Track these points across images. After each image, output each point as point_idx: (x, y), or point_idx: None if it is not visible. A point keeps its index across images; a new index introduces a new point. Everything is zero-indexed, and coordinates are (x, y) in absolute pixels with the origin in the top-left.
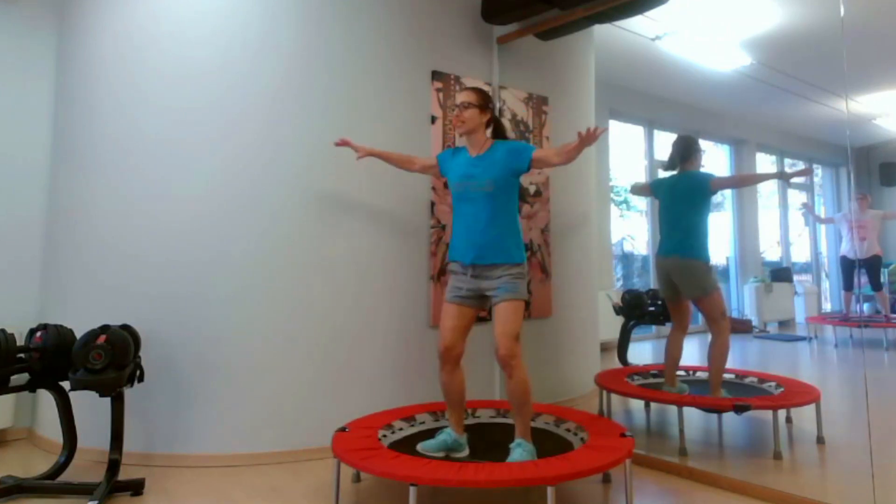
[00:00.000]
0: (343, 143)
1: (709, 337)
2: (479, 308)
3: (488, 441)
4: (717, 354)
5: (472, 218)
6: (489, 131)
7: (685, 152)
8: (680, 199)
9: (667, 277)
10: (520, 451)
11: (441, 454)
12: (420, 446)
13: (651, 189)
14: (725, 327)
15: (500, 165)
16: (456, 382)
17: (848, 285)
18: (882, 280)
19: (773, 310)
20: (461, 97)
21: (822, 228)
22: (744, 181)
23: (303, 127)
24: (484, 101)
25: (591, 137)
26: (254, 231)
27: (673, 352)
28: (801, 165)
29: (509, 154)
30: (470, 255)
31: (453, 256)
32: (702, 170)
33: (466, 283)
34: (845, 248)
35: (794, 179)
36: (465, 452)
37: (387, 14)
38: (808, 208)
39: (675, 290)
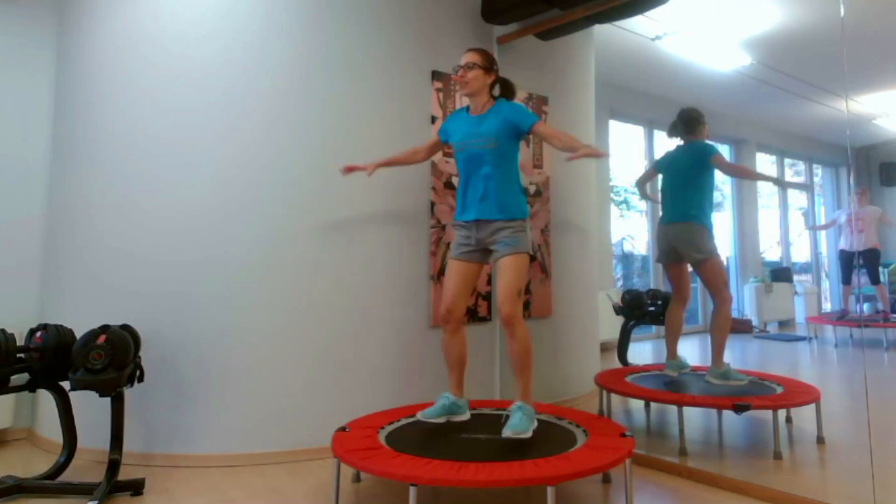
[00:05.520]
0: (350, 170)
1: (708, 337)
2: (483, 262)
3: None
4: (719, 325)
5: (475, 175)
6: (495, 91)
7: (689, 123)
8: (683, 168)
9: (668, 244)
10: (520, 414)
11: (443, 419)
12: (420, 415)
13: (655, 168)
14: (727, 297)
15: (503, 121)
16: (457, 344)
17: (846, 279)
18: (882, 280)
19: (773, 310)
20: (465, 58)
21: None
22: (744, 172)
23: (302, 126)
24: (488, 62)
25: (593, 154)
26: (254, 230)
27: (672, 325)
28: (801, 165)
29: (512, 112)
30: (472, 212)
31: (457, 216)
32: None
33: (470, 238)
34: (844, 242)
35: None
36: (467, 416)
37: (387, 14)
38: (813, 228)
39: (676, 256)
